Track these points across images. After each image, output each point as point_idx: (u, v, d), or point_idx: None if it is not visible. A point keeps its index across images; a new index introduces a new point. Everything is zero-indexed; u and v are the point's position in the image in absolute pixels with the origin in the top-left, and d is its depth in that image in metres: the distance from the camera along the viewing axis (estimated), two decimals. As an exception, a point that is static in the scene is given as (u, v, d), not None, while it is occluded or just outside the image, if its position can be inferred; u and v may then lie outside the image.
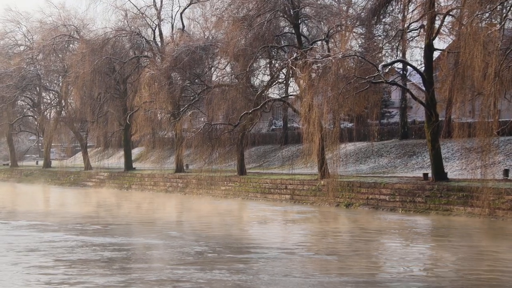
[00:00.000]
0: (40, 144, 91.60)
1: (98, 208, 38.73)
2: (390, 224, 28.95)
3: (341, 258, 20.85)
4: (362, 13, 39.36)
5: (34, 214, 34.91)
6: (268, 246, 23.00)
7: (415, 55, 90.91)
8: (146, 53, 54.99)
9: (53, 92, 68.70)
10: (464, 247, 22.95)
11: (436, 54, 36.31)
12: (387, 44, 38.75)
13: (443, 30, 35.14)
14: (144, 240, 25.04)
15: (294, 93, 47.16)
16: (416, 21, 35.41)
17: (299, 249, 22.92)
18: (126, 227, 29.37)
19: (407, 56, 42.03)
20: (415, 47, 42.28)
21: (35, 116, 71.01)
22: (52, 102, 70.27)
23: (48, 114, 71.21)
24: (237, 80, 42.77)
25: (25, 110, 72.99)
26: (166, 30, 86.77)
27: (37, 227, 28.93)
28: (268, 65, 45.57)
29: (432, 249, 23.40)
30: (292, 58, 37.50)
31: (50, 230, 27.88)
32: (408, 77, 47.46)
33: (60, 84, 65.33)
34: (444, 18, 33.38)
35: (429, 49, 33.79)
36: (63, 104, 65.45)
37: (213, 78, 50.60)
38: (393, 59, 38.02)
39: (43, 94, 70.04)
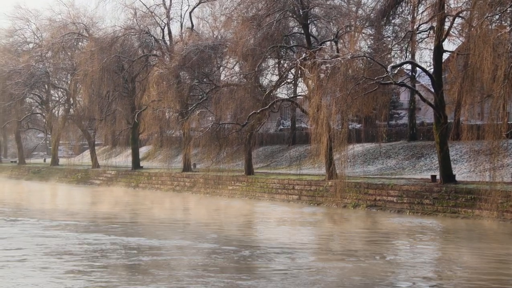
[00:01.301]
0: (48, 142, 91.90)
1: (120, 207, 38.39)
2: (406, 226, 28.64)
3: (374, 262, 20.36)
4: (371, 14, 39.32)
5: (57, 213, 34.46)
6: (305, 249, 22.66)
7: (424, 56, 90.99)
8: (154, 52, 55.04)
9: (62, 90, 68.90)
10: (489, 250, 22.61)
11: (445, 56, 36.22)
12: (396, 45, 38.63)
13: (452, 32, 35.01)
14: (180, 242, 24.03)
15: (303, 93, 47.13)
16: (426, 22, 35.25)
17: (333, 253, 22.38)
18: (156, 228, 28.57)
19: (416, 57, 42.01)
20: (425, 48, 42.27)
21: (43, 114, 71.25)
22: (61, 100, 70.47)
23: (56, 111, 71.49)
24: (245, 80, 42.75)
25: (33, 108, 73.30)
26: (175, 29, 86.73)
27: (66, 227, 28.18)
28: (277, 65, 45.57)
29: (458, 252, 22.74)
30: (301, 58, 37.44)
31: (81, 230, 27.10)
32: (417, 79, 47.37)
33: (69, 82, 65.54)
34: (453, 19, 33.24)
35: (438, 50, 33.65)
36: (72, 102, 65.62)
37: (222, 77, 50.61)
38: (402, 61, 37.92)
39: (52, 91, 70.26)
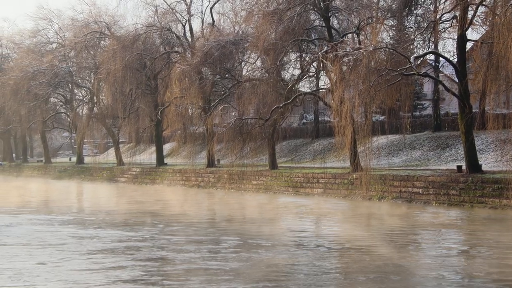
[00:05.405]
0: (73, 141, 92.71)
1: (189, 205, 37.33)
2: (446, 218, 28.04)
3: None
4: (393, 5, 39.04)
5: (128, 216, 31.27)
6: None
7: (448, 46, 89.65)
8: (176, 49, 55.17)
9: (85, 89, 69.48)
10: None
11: (469, 45, 35.81)
12: (419, 36, 38.25)
13: (476, 21, 34.57)
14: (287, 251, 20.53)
15: (325, 87, 47.03)
16: (448, 12, 34.91)
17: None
18: (239, 228, 26.28)
19: (440, 47, 41.50)
20: (448, 38, 41.67)
21: (68, 113, 71.90)
22: (84, 99, 71.10)
23: (81, 110, 72.11)
24: (267, 74, 42.69)
25: (58, 107, 74.04)
26: (196, 25, 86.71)
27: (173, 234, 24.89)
28: (299, 59, 45.47)
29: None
30: (322, 51, 37.30)
31: (188, 240, 23.20)
32: (440, 69, 46.98)
33: (92, 81, 65.99)
34: (477, 8, 32.85)
35: (462, 40, 33.34)
36: (95, 100, 66.07)
37: (244, 72, 50.65)
38: (425, 51, 37.52)
39: (75, 91, 70.88)
